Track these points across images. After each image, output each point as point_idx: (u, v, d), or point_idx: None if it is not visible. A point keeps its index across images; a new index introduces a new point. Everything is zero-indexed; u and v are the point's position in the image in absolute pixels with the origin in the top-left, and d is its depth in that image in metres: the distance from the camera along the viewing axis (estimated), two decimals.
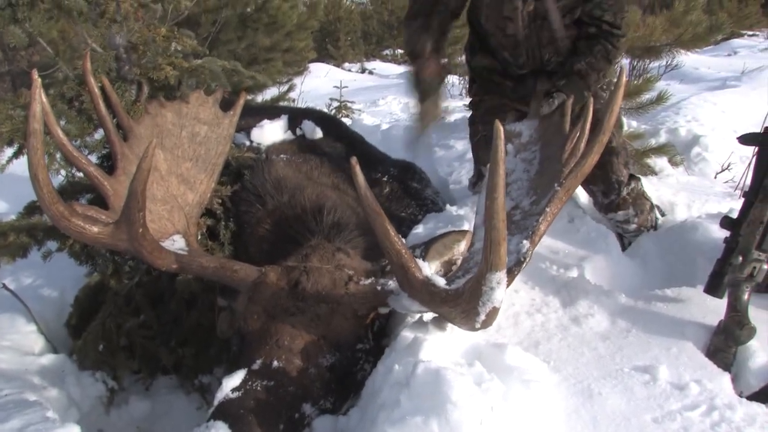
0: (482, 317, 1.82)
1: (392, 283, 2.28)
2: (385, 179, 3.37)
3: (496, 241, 1.68)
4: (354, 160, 1.95)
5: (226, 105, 3.10)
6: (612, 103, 2.23)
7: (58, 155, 2.79)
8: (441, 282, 2.01)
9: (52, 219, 2.14)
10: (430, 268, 2.08)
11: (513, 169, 2.57)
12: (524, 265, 2.03)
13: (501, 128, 1.65)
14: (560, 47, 3.30)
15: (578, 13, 3.19)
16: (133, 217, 2.13)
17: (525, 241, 2.04)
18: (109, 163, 2.78)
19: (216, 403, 1.92)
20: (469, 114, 3.94)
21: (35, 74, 2.11)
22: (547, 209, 2.13)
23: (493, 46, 3.46)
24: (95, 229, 2.20)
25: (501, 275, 1.73)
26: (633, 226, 3.54)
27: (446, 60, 3.57)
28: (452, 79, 11.22)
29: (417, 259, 2.05)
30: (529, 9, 3.15)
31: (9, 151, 2.79)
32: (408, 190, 3.46)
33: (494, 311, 1.81)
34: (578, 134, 2.36)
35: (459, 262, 2.53)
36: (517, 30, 3.26)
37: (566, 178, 2.20)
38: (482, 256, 1.73)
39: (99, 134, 2.95)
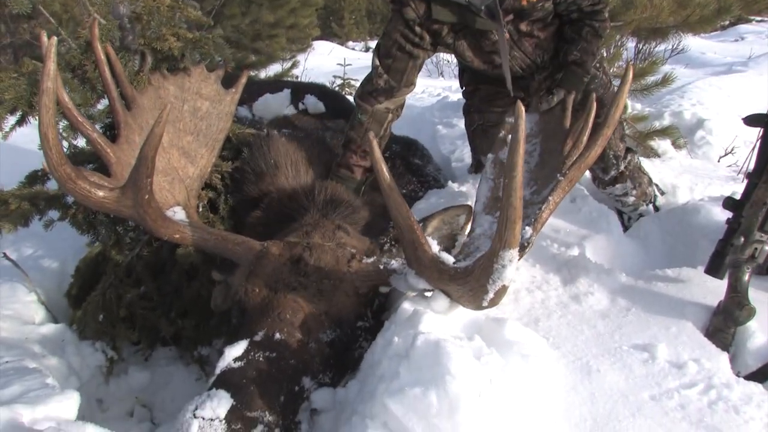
0: (490, 295, 1.83)
1: (395, 263, 2.31)
2: (387, 155, 3.35)
3: (512, 218, 1.69)
4: (371, 134, 1.97)
5: (228, 80, 3.08)
6: (618, 99, 2.22)
7: (60, 125, 2.78)
8: (450, 259, 2.02)
9: (59, 180, 2.12)
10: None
11: None
12: (527, 250, 2.06)
13: (522, 108, 1.66)
14: (544, 45, 3.26)
15: (550, 19, 3.15)
16: (140, 183, 2.13)
17: (527, 228, 2.07)
18: (111, 133, 2.76)
19: (218, 371, 1.93)
20: None
21: (44, 35, 2.10)
22: (550, 198, 2.15)
23: (489, 76, 3.42)
24: (101, 193, 2.20)
25: (514, 253, 1.74)
26: (631, 199, 3.56)
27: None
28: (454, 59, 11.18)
29: (427, 238, 2.05)
30: (506, 37, 3.07)
31: (12, 120, 2.77)
32: (410, 166, 3.46)
33: (503, 289, 1.83)
34: (581, 127, 2.35)
35: (460, 238, 2.54)
36: (503, 58, 3.16)
37: (570, 168, 2.21)
38: (496, 233, 1.74)
39: (101, 105, 2.94)
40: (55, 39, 1.98)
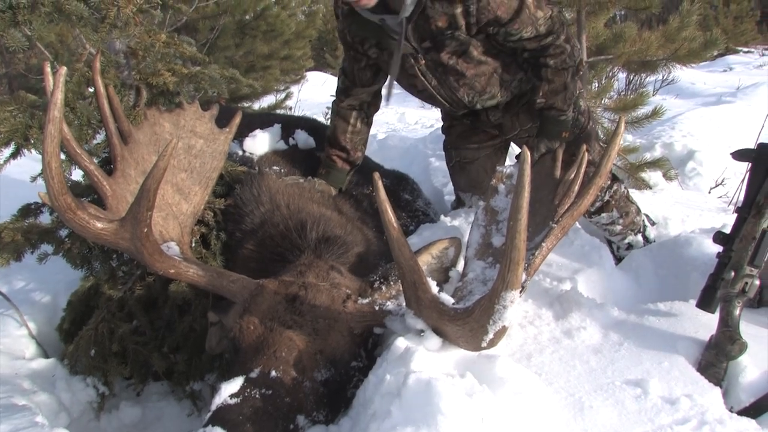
0: (490, 336, 1.84)
1: (390, 304, 2.31)
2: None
3: (515, 260, 1.71)
4: (377, 174, 1.98)
5: (222, 113, 3.11)
6: (610, 149, 2.24)
7: None
8: (449, 300, 2.03)
9: (59, 210, 2.12)
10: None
11: (504, 208, 2.61)
12: (521, 294, 2.05)
13: (528, 153, 1.71)
14: (475, 86, 3.20)
15: (474, 53, 3.05)
16: (140, 216, 2.12)
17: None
18: (106, 168, 2.77)
19: (213, 407, 1.92)
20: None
21: (47, 66, 2.13)
22: (543, 244, 2.16)
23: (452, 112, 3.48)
24: (99, 224, 2.20)
25: (515, 294, 1.75)
26: (618, 228, 3.57)
27: (359, 155, 3.49)
28: None
29: (428, 278, 2.06)
30: (421, 63, 3.10)
31: (6, 153, 2.77)
32: (399, 201, 3.48)
33: (503, 330, 1.83)
34: (572, 178, 2.38)
35: (452, 273, 2.55)
36: (424, 85, 3.23)
37: (562, 216, 2.23)
38: (498, 274, 1.75)
39: (97, 141, 2.95)
40: (64, 69, 1.99)
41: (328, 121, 6.59)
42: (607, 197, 3.48)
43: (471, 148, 3.69)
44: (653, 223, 4.02)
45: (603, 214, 3.54)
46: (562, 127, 3.13)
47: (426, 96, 3.35)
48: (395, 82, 3.26)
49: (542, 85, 3.08)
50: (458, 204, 3.90)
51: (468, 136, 3.68)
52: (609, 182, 3.49)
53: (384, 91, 3.29)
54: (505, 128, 3.53)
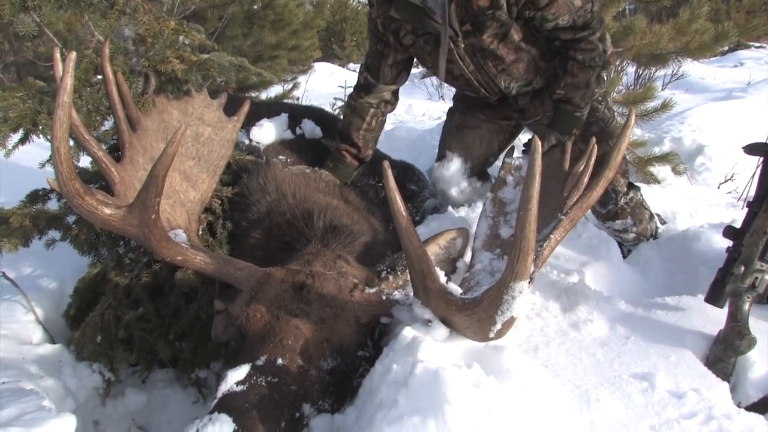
0: (498, 326, 1.83)
1: (397, 293, 2.31)
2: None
3: (525, 250, 1.70)
4: (386, 163, 1.97)
5: (231, 101, 3.10)
6: (620, 141, 2.23)
7: None
8: (458, 290, 2.03)
9: (67, 196, 2.12)
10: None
11: (512, 200, 2.60)
12: (530, 286, 2.05)
13: (539, 142, 1.70)
14: (513, 72, 3.21)
15: (515, 37, 3.05)
16: (148, 202, 2.12)
17: None
18: (114, 155, 2.77)
19: (219, 395, 1.92)
20: None
21: (57, 52, 2.13)
22: (552, 236, 2.15)
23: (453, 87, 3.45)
24: (107, 210, 2.20)
25: (524, 285, 1.75)
26: (631, 236, 3.52)
27: (369, 152, 3.48)
28: None
29: (436, 268, 2.05)
30: (461, 46, 3.07)
31: (15, 138, 2.77)
32: (405, 192, 3.47)
33: (511, 321, 1.83)
34: (581, 169, 2.36)
35: (460, 264, 2.54)
36: (462, 70, 3.21)
37: (571, 208, 2.22)
38: (507, 264, 1.74)
39: (105, 127, 2.95)
40: (74, 54, 1.98)
41: (336, 112, 6.60)
42: (622, 202, 3.44)
43: (478, 117, 3.67)
44: (664, 223, 3.99)
45: (617, 221, 3.49)
46: (575, 123, 3.11)
47: (461, 83, 3.34)
48: (424, 69, 3.27)
49: (565, 77, 3.07)
50: (440, 158, 3.80)
51: (477, 107, 3.67)
52: (626, 189, 3.44)
53: (440, 67, 3.20)
54: (528, 113, 3.53)
